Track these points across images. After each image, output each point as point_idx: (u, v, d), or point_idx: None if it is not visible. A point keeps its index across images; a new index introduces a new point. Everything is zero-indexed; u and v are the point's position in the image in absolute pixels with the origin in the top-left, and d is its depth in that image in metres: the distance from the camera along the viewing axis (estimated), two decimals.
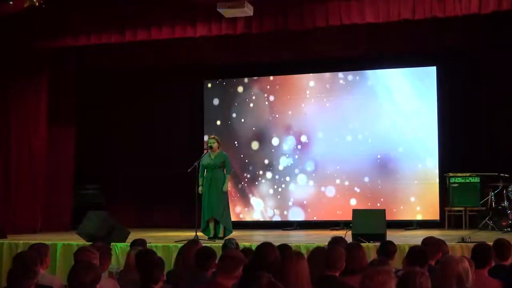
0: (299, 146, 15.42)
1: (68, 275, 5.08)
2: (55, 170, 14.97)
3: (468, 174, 13.70)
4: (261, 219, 15.46)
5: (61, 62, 14.88)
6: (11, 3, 12.35)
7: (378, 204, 14.34)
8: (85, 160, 16.00)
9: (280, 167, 15.52)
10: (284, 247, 7.07)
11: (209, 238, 11.79)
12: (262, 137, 15.69)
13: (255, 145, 15.72)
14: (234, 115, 15.83)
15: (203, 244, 7.24)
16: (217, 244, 9.58)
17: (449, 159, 14.40)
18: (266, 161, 15.64)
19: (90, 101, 16.38)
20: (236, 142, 15.68)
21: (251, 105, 15.78)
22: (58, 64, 14.81)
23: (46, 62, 14.42)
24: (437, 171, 14.35)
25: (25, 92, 14.30)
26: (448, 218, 13.71)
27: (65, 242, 11.28)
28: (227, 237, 11.49)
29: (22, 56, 14.04)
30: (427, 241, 7.33)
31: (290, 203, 15.32)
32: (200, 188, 12.08)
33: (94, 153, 16.54)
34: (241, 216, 15.52)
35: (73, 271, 5.06)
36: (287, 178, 15.42)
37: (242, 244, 9.22)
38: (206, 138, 12.35)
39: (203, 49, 14.56)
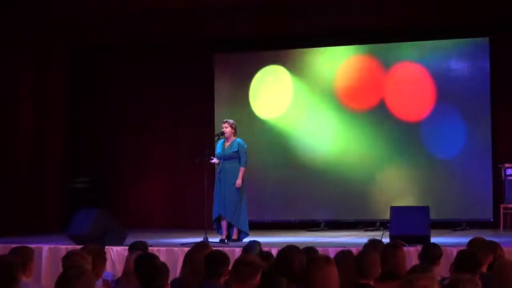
0: None
1: (55, 284, 5.10)
2: (41, 162, 15.01)
3: None
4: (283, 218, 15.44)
5: (52, 36, 14.89)
6: None
7: (421, 201, 14.26)
8: (78, 149, 16.03)
9: None
10: (310, 251, 7.07)
11: (221, 241, 11.65)
12: None
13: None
14: (248, 92, 15.77)
15: (214, 248, 7.24)
16: (232, 248, 9.61)
17: (504, 148, 14.36)
18: None
19: (85, 81, 16.43)
20: (250, 125, 15.53)
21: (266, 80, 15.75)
22: (48, 38, 14.83)
23: (33, 35, 14.44)
24: (490, 161, 14.29)
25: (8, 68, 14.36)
26: (503, 217, 13.66)
27: (52, 245, 11.34)
28: (243, 240, 11.47)
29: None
30: (474, 243, 7.30)
31: (317, 199, 15.28)
32: (215, 160, 11.99)
33: (90, 141, 16.53)
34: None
35: (61, 279, 5.08)
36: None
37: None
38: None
39: (211, 21, 14.54)
